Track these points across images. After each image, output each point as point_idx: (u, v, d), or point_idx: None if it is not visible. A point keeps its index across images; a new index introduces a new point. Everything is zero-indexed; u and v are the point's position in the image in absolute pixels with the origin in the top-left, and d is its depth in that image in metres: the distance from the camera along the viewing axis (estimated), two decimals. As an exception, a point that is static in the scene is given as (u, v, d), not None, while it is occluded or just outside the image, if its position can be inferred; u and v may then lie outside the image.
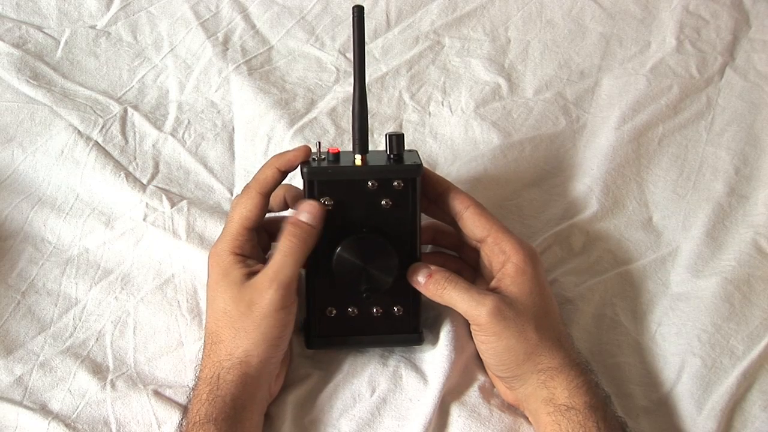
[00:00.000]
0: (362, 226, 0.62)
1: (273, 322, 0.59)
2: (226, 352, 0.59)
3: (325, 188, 0.62)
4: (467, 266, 0.68)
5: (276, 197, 0.66)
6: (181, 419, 0.60)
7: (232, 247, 0.61)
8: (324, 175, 0.62)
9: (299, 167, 0.63)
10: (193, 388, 0.60)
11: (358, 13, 0.62)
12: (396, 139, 0.63)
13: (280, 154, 0.63)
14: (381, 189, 0.62)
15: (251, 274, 0.60)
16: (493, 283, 0.62)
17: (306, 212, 0.61)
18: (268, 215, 0.65)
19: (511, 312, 0.59)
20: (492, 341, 0.60)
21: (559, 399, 0.58)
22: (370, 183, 0.62)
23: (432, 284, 0.62)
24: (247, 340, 0.59)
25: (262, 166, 0.64)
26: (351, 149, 0.63)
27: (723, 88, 0.89)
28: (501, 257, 0.62)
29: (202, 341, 0.62)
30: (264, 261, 0.62)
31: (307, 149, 0.63)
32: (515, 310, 0.59)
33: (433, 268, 0.62)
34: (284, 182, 0.65)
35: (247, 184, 0.63)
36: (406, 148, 0.64)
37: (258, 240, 0.64)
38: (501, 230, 0.63)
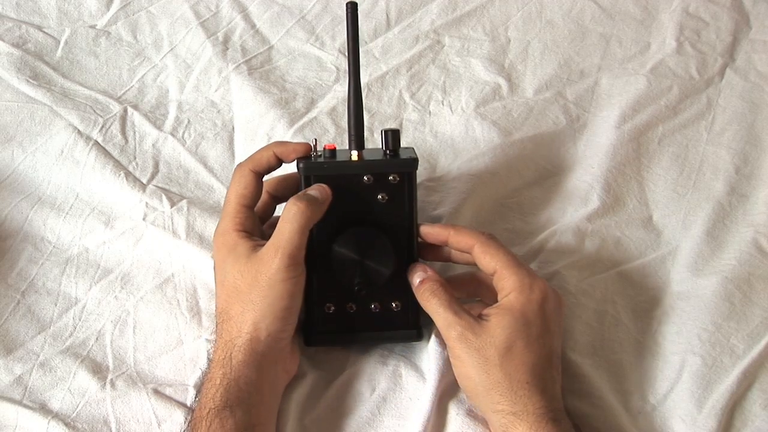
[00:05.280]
0: (359, 220, 0.62)
1: (279, 293, 0.58)
2: (237, 329, 0.59)
3: (322, 183, 0.62)
4: None
5: (262, 202, 0.66)
6: (194, 401, 0.59)
7: (234, 224, 0.62)
8: (320, 169, 0.62)
9: (296, 163, 0.63)
10: (205, 372, 0.60)
11: (352, 9, 0.62)
12: (392, 135, 0.63)
13: (282, 141, 0.64)
14: (377, 183, 0.62)
15: (257, 247, 0.60)
16: (485, 310, 0.60)
17: (315, 189, 0.61)
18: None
19: (477, 342, 0.57)
20: (456, 365, 0.59)
21: None
22: (365, 177, 0.62)
23: (421, 290, 0.61)
24: (255, 312, 0.58)
25: (261, 148, 0.64)
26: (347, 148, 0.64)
27: (723, 88, 0.89)
28: (503, 293, 0.60)
29: (214, 323, 0.62)
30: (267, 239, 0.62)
31: (308, 146, 0.63)
32: (483, 341, 0.57)
33: (428, 273, 0.62)
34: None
35: (241, 162, 0.64)
36: (404, 145, 0.64)
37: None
38: (507, 265, 0.60)
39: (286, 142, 0.64)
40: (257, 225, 0.64)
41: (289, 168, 0.65)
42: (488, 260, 0.61)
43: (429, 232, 0.64)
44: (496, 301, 0.61)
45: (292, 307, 0.59)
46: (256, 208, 0.65)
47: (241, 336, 0.58)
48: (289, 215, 0.59)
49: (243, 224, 0.62)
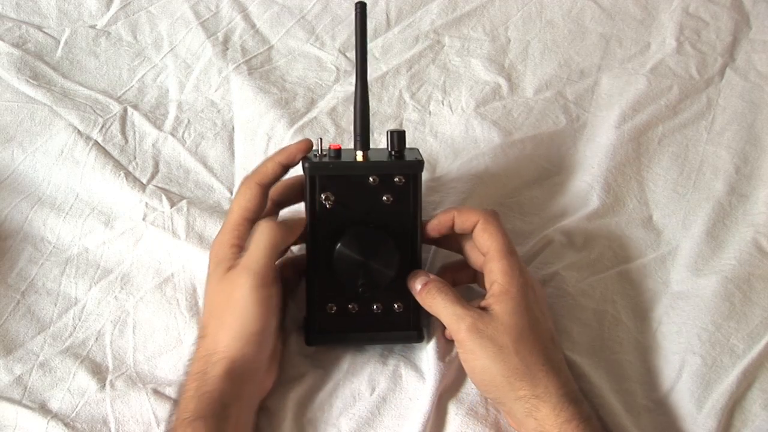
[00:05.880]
0: (363, 221, 0.62)
1: (251, 318, 0.58)
2: (213, 346, 0.58)
3: (327, 183, 0.62)
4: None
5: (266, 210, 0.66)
6: (170, 415, 0.59)
7: (231, 237, 0.62)
8: (325, 170, 0.62)
9: (301, 163, 0.63)
10: (181, 384, 0.59)
11: (361, 9, 0.62)
12: (397, 136, 0.63)
13: (282, 148, 0.64)
14: (382, 184, 0.62)
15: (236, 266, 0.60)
16: (482, 302, 0.60)
17: (289, 216, 0.62)
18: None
19: (489, 330, 0.58)
20: (470, 359, 0.59)
21: None
22: (371, 178, 0.62)
23: (425, 293, 0.61)
24: (228, 335, 0.58)
25: (264, 159, 0.64)
26: (352, 148, 0.64)
27: (723, 88, 0.89)
28: (491, 276, 0.61)
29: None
30: None
31: (309, 143, 0.63)
32: (494, 329, 0.58)
33: (431, 276, 0.62)
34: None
35: (247, 175, 0.64)
36: (407, 146, 0.64)
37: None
38: (499, 249, 0.61)
39: (286, 146, 0.64)
40: None
41: (293, 171, 0.65)
42: (485, 239, 0.61)
43: (435, 224, 0.64)
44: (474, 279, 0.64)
45: (266, 330, 0.59)
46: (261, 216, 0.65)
47: (216, 353, 0.58)
48: (256, 234, 0.59)
49: (240, 238, 0.61)
